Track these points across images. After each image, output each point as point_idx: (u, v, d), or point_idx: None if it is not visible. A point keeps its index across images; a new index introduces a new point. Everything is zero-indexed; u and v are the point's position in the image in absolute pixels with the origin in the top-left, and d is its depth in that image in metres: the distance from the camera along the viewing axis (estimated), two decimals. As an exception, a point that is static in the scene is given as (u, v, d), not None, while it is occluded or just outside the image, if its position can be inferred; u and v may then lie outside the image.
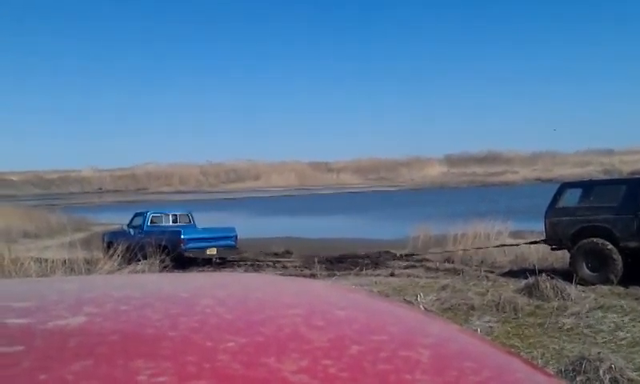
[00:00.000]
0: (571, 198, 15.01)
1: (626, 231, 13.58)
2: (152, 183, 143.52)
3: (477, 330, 8.95)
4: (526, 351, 7.97)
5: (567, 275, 12.94)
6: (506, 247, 17.71)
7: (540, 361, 7.44)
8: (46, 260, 16.40)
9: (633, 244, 13.52)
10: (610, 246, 13.54)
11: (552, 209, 14.97)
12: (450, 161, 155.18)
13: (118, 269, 14.98)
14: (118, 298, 1.20)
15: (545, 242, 15.28)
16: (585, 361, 6.80)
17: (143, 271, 15.40)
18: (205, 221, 24.58)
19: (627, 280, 13.12)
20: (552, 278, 11.83)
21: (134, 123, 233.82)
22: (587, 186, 15.47)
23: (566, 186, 15.72)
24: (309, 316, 1.13)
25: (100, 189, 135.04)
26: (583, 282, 12.88)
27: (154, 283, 1.53)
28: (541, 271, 12.67)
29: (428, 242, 21.10)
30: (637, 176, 17.38)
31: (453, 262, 18.05)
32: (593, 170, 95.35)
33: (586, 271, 13.59)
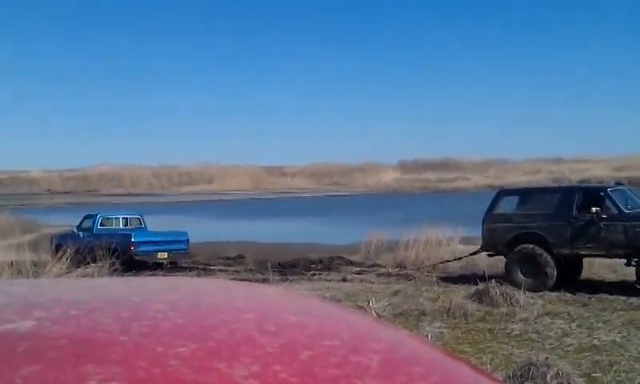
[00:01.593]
0: (508, 205, 15.36)
1: (560, 238, 13.89)
2: (103, 185, 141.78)
3: (428, 335, 9.02)
4: (475, 356, 8.05)
5: (568, 284, 13.17)
6: (457, 253, 17.86)
7: (489, 366, 7.53)
8: (-7, 262, 16.11)
9: (566, 251, 13.89)
10: (544, 253, 13.83)
11: (489, 215, 15.23)
12: (404, 167, 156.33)
13: (67, 272, 14.75)
14: (68, 301, 1.19)
15: (482, 248, 15.53)
16: (533, 366, 6.90)
17: (92, 275, 15.20)
18: (156, 224, 24.40)
19: (567, 286, 13.40)
20: (501, 284, 12.00)
21: (85, 124, 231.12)
22: (523, 194, 15.94)
23: (502, 193, 16.05)
24: (260, 321, 1.13)
25: (49, 190, 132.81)
26: (518, 287, 12.83)
27: (104, 287, 1.51)
28: (490, 277, 12.82)
29: (380, 247, 21.20)
30: (570, 184, 17.84)
31: (405, 268, 18.16)
32: (543, 178, 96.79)
33: (520, 277, 13.74)
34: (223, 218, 49.25)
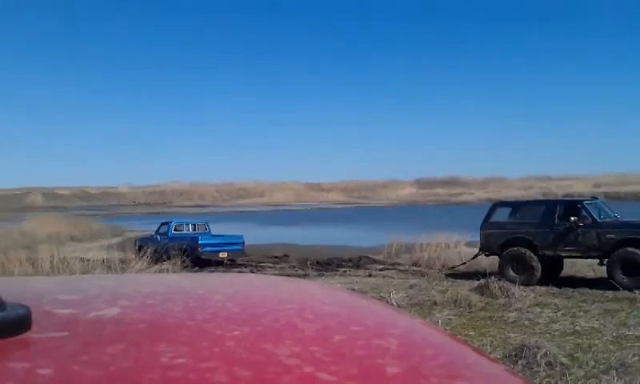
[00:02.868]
0: (501, 215, 15.35)
1: (544, 242, 13.98)
2: (176, 198, 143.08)
3: (438, 321, 8.95)
4: (478, 339, 7.96)
5: (551, 281, 13.06)
6: (462, 254, 17.71)
7: (489, 347, 7.44)
8: (88, 260, 16.38)
9: (549, 252, 13.96)
10: (531, 254, 13.91)
11: (486, 223, 15.26)
12: (419, 183, 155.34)
13: (147, 268, 14.95)
14: (146, 293, 1.21)
15: (480, 250, 15.47)
16: (525, 348, 6.81)
17: (167, 270, 15.37)
18: (218, 229, 24.53)
19: (554, 281, 13.24)
20: (499, 279, 11.93)
21: (162, 147, 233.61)
22: (514, 205, 15.96)
23: (497, 204, 16.06)
24: (300, 310, 1.15)
25: (134, 202, 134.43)
26: (510, 282, 12.98)
27: (176, 281, 1.54)
28: (490, 274, 12.78)
29: (399, 249, 21.08)
30: (553, 198, 17.92)
31: (419, 266, 18.04)
32: (534, 193, 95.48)
33: (511, 273, 13.86)
34: (271, 225, 49.39)
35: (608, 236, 13.20)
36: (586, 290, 12.27)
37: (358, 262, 19.54)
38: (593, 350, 7.31)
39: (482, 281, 11.91)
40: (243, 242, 20.82)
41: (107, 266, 15.18)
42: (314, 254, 21.59)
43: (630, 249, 12.75)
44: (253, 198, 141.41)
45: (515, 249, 14.20)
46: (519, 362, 6.55)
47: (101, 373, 0.74)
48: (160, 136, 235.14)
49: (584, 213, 13.67)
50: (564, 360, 6.66)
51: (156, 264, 15.52)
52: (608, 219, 13.86)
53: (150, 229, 25.34)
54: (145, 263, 15.23)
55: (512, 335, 8.18)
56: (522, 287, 11.96)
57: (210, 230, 22.19)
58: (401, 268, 17.94)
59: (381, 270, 17.69)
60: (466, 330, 8.61)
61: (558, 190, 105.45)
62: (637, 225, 13.41)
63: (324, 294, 1.41)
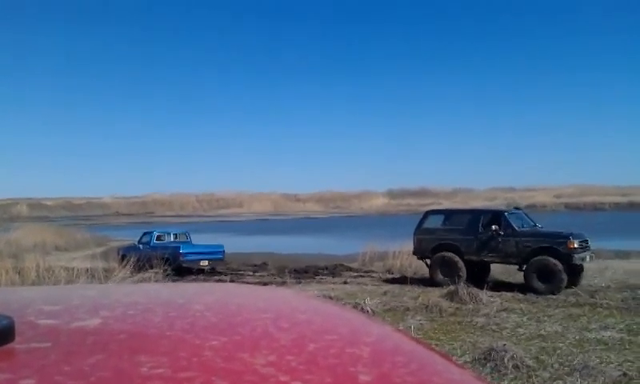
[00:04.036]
0: (433, 222, 15.87)
1: (469, 248, 14.68)
2: (157, 209, 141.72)
3: (410, 327, 8.98)
4: (448, 343, 8.00)
5: (479, 284, 13.13)
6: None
7: (459, 351, 7.48)
8: (73, 268, 16.14)
9: (474, 257, 14.67)
10: (457, 258, 14.63)
11: (418, 229, 15.87)
12: (391, 194, 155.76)
13: (130, 276, 14.77)
14: (127, 303, 1.21)
15: (414, 253, 16.14)
16: (493, 351, 6.86)
17: (150, 279, 15.22)
18: (199, 239, 24.38)
19: (520, 288, 13.36)
20: (468, 286, 12.01)
21: (143, 160, 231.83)
22: (444, 213, 16.49)
23: (429, 213, 16.57)
24: (276, 319, 1.14)
25: (117, 212, 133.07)
26: (438, 284, 14.25)
27: (155, 291, 1.52)
28: (487, 282, 13.13)
29: (373, 256, 21.15)
30: (478, 208, 18.60)
31: (392, 273, 18.11)
32: (499, 203, 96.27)
33: (440, 276, 14.66)
34: (250, 234, 49.23)
35: (525, 244, 13.85)
36: (549, 295, 12.45)
37: (333, 269, 19.56)
38: (557, 352, 7.38)
39: (452, 287, 11.99)
40: (223, 251, 20.71)
41: (91, 275, 14.96)
42: (292, 262, 21.56)
43: (546, 257, 13.28)
44: (232, 208, 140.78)
45: (443, 254, 14.84)
46: (487, 365, 6.60)
47: (82, 383, 0.73)
48: (143, 149, 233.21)
49: (505, 222, 14.26)
50: (530, 362, 6.71)
51: (139, 273, 15.35)
52: (526, 229, 14.44)
53: (132, 238, 25.07)
54: (128, 272, 15.06)
55: (480, 339, 8.23)
56: (489, 293, 12.07)
57: (190, 240, 22.05)
58: (374, 275, 17.99)
59: (355, 277, 17.71)
60: (437, 335, 8.65)
61: (522, 201, 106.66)
62: (551, 234, 13.99)
63: (299, 303, 1.41)
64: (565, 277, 12.98)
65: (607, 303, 11.25)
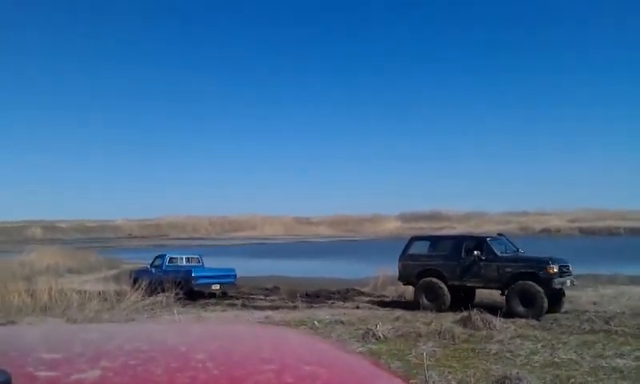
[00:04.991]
0: (417, 248, 16.11)
1: (452, 273, 14.90)
2: (171, 231, 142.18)
3: (423, 353, 8.87)
4: (461, 371, 7.90)
5: (493, 310, 12.98)
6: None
7: (472, 379, 7.37)
8: (85, 291, 16.18)
9: (456, 282, 14.89)
10: (441, 284, 14.83)
11: (403, 255, 16.09)
12: (404, 217, 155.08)
13: (142, 300, 14.79)
14: (129, 351, 1.20)
15: (399, 279, 16.30)
16: (507, 379, 6.77)
17: (162, 302, 15.22)
18: (211, 262, 24.37)
19: (534, 315, 13.19)
20: (482, 312, 11.89)
21: (157, 183, 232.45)
22: (428, 240, 16.77)
23: (413, 239, 16.75)
24: (281, 371, 1.13)
25: (130, 235, 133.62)
26: (424, 308, 14.48)
27: (159, 336, 1.51)
28: (473, 306, 12.77)
29: (385, 281, 21.00)
30: (461, 234, 18.81)
31: (405, 298, 17.97)
32: (512, 227, 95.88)
33: (425, 301, 14.86)
34: (262, 258, 49.16)
35: (506, 269, 14.05)
36: (565, 322, 12.29)
37: (345, 293, 19.44)
38: (571, 381, 7.27)
39: (465, 313, 11.87)
40: (235, 275, 20.65)
41: (103, 298, 15.00)
42: (304, 286, 21.46)
43: (526, 281, 13.44)
44: (245, 231, 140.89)
45: (427, 279, 15.02)
46: (501, 394, 6.50)
47: None
48: (156, 171, 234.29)
49: (486, 248, 14.48)
50: (544, 391, 6.61)
51: (151, 296, 15.37)
52: (507, 254, 14.65)
53: (145, 261, 25.11)
54: (140, 295, 15.07)
55: (494, 367, 8.12)
56: (503, 319, 11.93)
57: (203, 263, 22.03)
58: (387, 300, 17.86)
59: (367, 301, 17.60)
60: (449, 362, 8.54)
61: (536, 225, 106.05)
62: (531, 259, 14.19)
63: (305, 350, 1.40)
64: (545, 301, 13.17)
65: (622, 330, 11.08)
